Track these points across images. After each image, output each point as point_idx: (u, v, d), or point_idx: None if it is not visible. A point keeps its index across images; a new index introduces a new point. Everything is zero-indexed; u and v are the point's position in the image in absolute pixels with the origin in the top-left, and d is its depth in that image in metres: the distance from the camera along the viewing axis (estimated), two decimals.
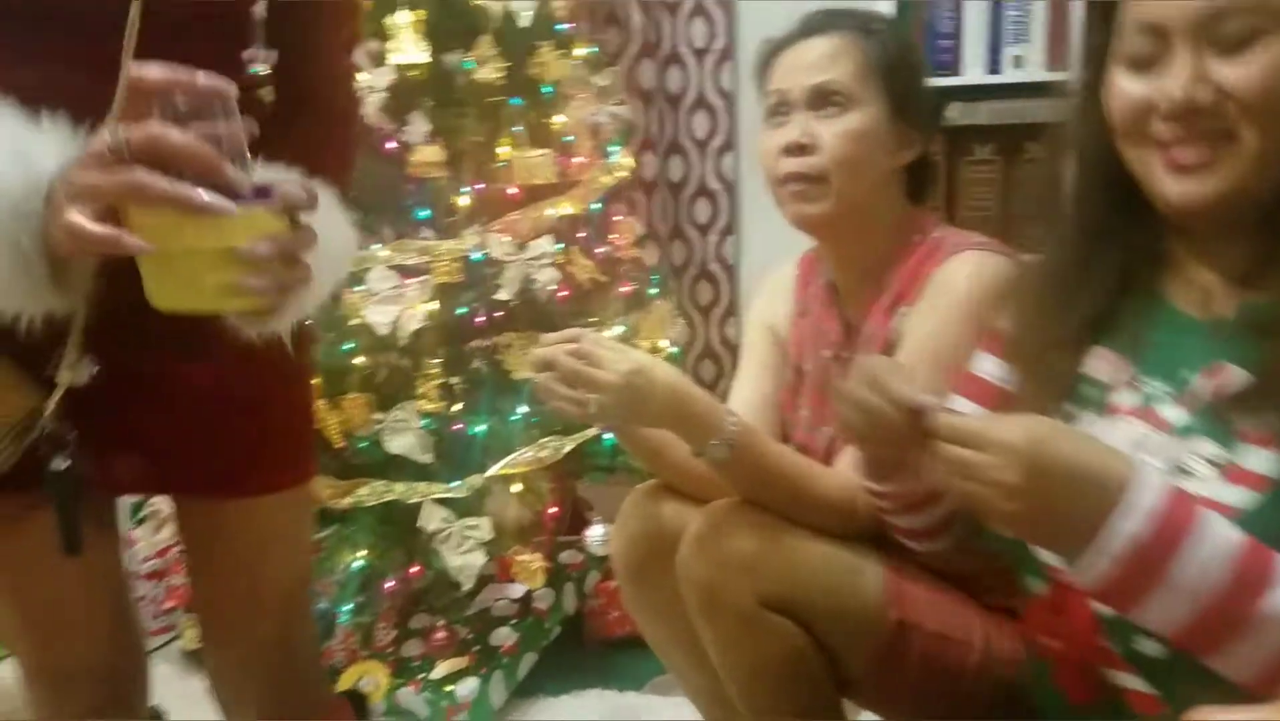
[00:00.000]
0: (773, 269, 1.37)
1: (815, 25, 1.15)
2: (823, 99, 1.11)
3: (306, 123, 0.86)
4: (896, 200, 1.17)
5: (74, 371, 0.75)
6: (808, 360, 1.25)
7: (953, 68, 1.89)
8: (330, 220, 0.77)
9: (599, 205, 1.85)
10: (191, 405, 0.84)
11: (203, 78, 0.63)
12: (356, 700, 1.05)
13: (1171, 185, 0.74)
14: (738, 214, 2.32)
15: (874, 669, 1.07)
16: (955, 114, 1.84)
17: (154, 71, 0.63)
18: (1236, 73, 0.71)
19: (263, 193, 0.66)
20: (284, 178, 0.71)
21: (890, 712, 1.20)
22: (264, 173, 0.72)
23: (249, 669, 0.94)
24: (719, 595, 1.04)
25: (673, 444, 1.13)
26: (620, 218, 1.92)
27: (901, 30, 1.21)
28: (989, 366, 0.97)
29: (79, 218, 0.62)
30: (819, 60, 1.12)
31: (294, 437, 0.94)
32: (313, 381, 0.99)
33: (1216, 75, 0.71)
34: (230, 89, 0.64)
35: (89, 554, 0.84)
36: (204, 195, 0.61)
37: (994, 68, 1.87)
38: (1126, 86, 0.75)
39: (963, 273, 1.08)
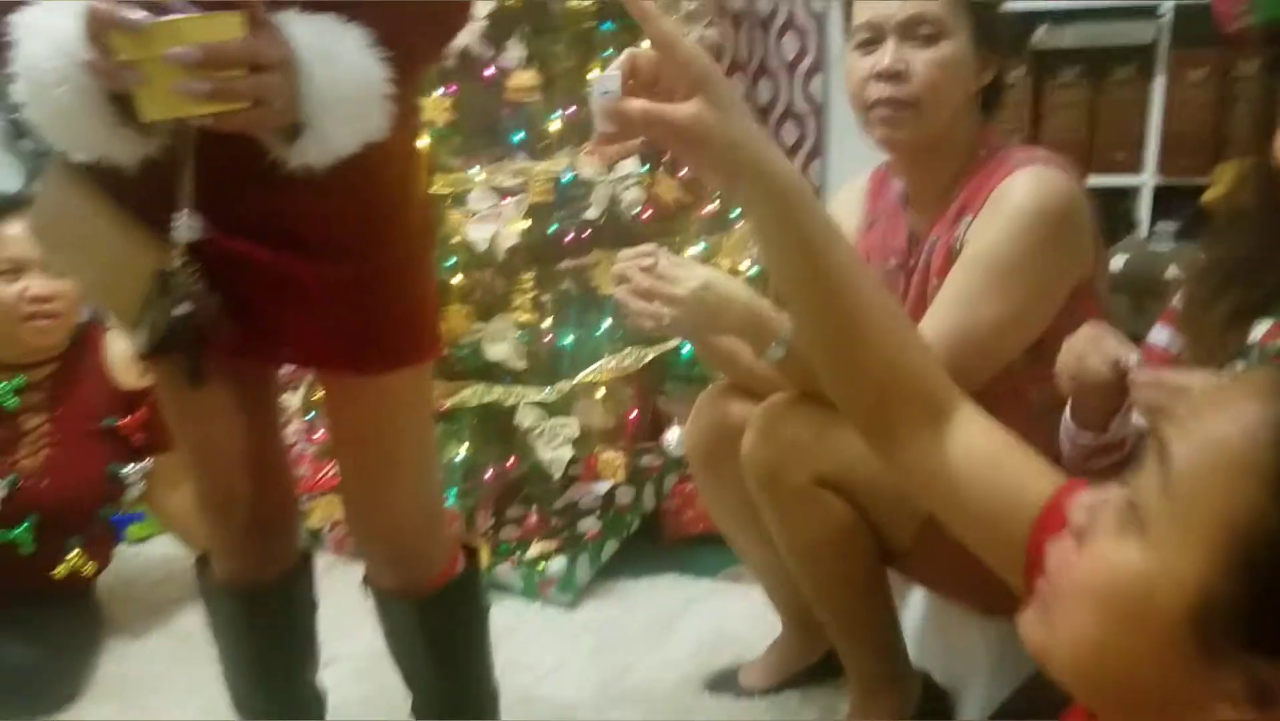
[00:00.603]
0: (843, 186, 1.44)
1: None
2: (914, 28, 1.15)
3: None
4: (973, 119, 1.23)
5: (189, 229, 0.89)
6: (875, 269, 1.31)
7: None
8: (351, 58, 0.84)
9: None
10: (328, 293, 0.98)
11: None
12: (471, 551, 1.23)
13: None
14: (825, 137, 2.36)
15: (917, 542, 1.19)
16: (1040, 37, 1.83)
17: None
18: None
19: (206, 9, 0.75)
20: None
21: (933, 584, 1.32)
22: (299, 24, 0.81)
23: (390, 525, 1.10)
24: (777, 476, 1.18)
25: (740, 349, 1.26)
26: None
27: None
28: (1162, 337, 1.09)
29: (92, 49, 0.77)
30: None
31: (422, 319, 1.07)
32: (434, 269, 1.11)
33: None
34: None
35: (244, 406, 1.04)
36: (120, 11, 0.74)
37: None
38: None
39: (1024, 187, 1.13)
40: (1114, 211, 1.90)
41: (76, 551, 1.71)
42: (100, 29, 0.76)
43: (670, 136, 0.67)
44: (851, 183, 1.42)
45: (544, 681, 1.61)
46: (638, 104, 0.66)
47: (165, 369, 1.02)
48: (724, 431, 1.32)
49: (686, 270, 1.17)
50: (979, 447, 0.68)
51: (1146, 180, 1.82)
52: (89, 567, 1.74)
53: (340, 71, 0.84)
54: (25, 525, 1.65)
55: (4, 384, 1.67)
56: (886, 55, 1.16)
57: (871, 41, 1.18)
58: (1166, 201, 1.82)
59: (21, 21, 0.81)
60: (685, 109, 0.65)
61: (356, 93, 0.85)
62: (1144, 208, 1.79)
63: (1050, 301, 1.16)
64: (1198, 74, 1.42)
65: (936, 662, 1.37)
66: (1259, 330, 0.96)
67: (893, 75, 1.16)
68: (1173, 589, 0.45)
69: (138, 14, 0.74)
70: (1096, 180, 1.91)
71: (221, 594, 1.16)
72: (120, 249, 0.92)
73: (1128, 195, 1.90)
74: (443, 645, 1.19)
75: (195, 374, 0.94)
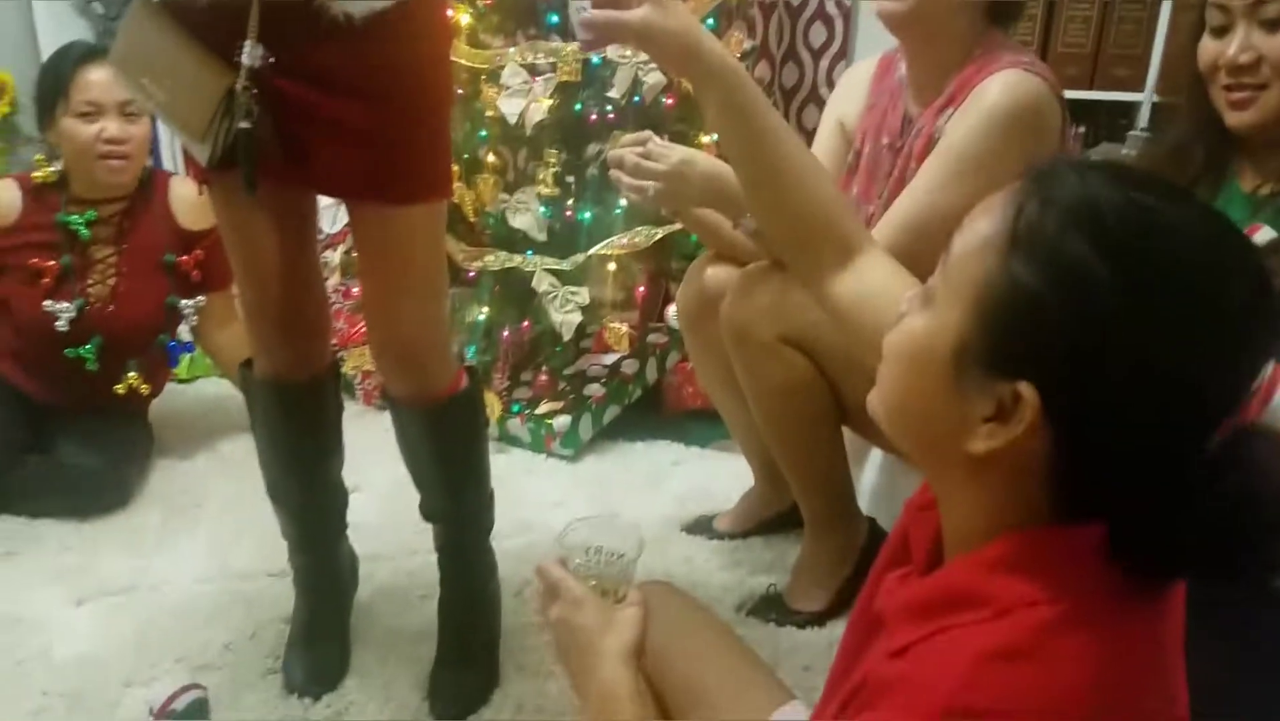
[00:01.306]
0: (854, 66, 1.53)
1: None
2: None
3: None
4: (976, 19, 1.30)
5: (251, 56, 1.04)
6: (868, 146, 1.43)
7: None
8: None
9: (712, 20, 2.02)
10: (361, 133, 1.12)
11: None
12: (471, 371, 1.39)
13: (1229, 113, 1.07)
14: (852, 40, 2.42)
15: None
16: None
17: None
18: (1270, 42, 1.02)
19: None
20: None
21: (882, 440, 1.46)
22: None
23: (402, 335, 1.25)
24: (748, 333, 1.33)
25: (721, 222, 1.39)
26: (732, 33, 2.08)
27: None
28: None
29: None
30: None
31: (437, 162, 1.21)
32: (449, 118, 1.24)
33: (1258, 43, 1.03)
34: None
35: (286, 225, 1.20)
36: None
37: None
38: (1205, 45, 1.07)
39: (998, 87, 1.23)
40: (1114, 125, 1.97)
41: (134, 373, 1.90)
42: None
43: (629, 36, 0.85)
44: (860, 64, 1.51)
45: (542, 514, 1.79)
46: (600, 14, 0.84)
47: (224, 185, 1.18)
48: (708, 295, 1.46)
49: (670, 150, 1.33)
50: (879, 281, 0.82)
51: (1145, 97, 1.88)
52: (145, 388, 1.94)
53: None
54: (91, 344, 1.84)
55: (77, 215, 1.84)
56: None
57: None
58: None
59: None
60: (636, 13, 0.82)
61: None
62: (1142, 123, 1.86)
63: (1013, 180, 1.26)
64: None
65: (885, 513, 1.52)
66: None
67: None
68: (943, 337, 0.59)
69: None
70: (1100, 95, 1.98)
71: (262, 389, 1.34)
72: (193, 72, 1.07)
73: (1130, 110, 1.96)
74: (446, 450, 1.36)
75: (252, 182, 1.09)
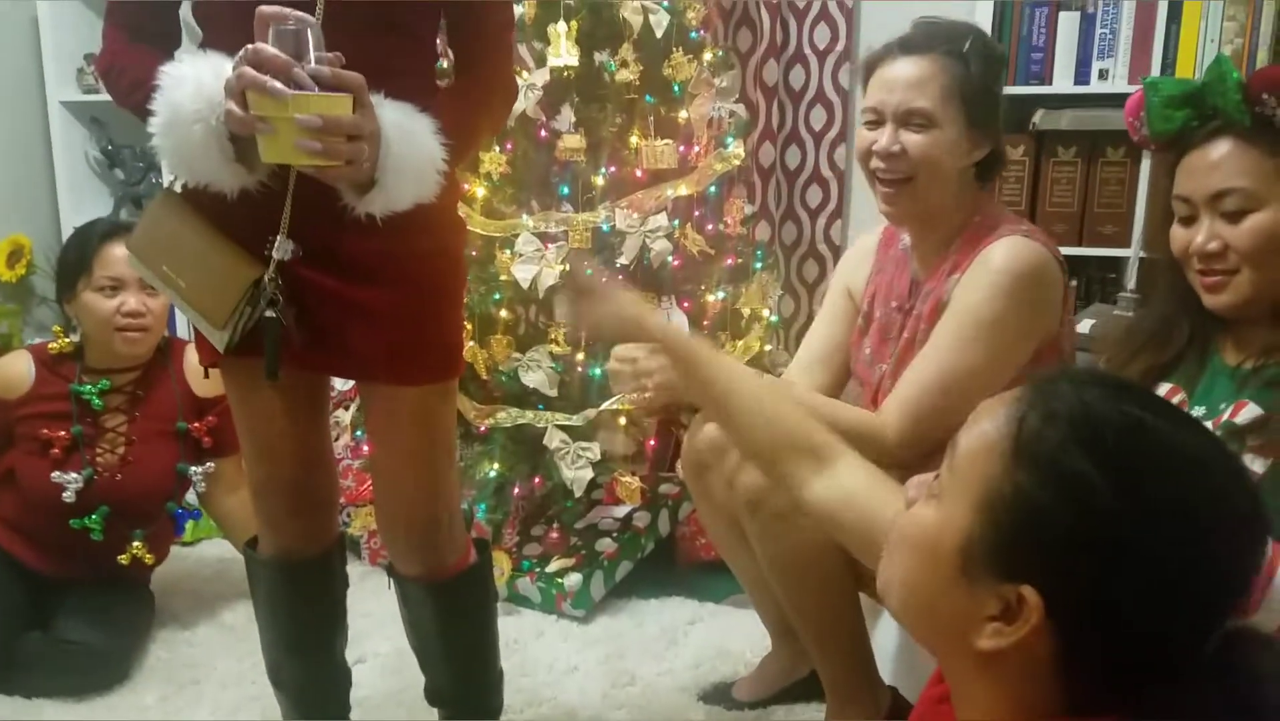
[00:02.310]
0: (861, 236, 1.62)
1: (912, 44, 1.36)
2: (910, 117, 1.33)
3: (470, 81, 1.20)
4: (968, 188, 1.40)
5: (282, 250, 1.10)
6: (878, 309, 1.49)
7: (1043, 78, 2.05)
8: (420, 138, 1.07)
9: (715, 188, 2.12)
10: (378, 318, 1.17)
11: (293, 17, 0.98)
12: (482, 544, 1.38)
13: (1205, 296, 1.09)
14: (847, 199, 2.54)
15: None
16: (1039, 119, 2.00)
17: (267, 9, 0.98)
18: (1234, 232, 1.05)
19: (324, 88, 0.98)
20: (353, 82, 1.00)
21: None
22: (388, 108, 1.04)
23: (410, 511, 1.27)
24: (761, 499, 1.32)
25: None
26: (733, 199, 2.18)
27: (988, 47, 1.38)
28: None
29: (230, 101, 0.98)
30: (910, 82, 1.33)
31: (449, 344, 1.26)
32: (463, 306, 1.30)
33: (1223, 233, 1.05)
34: (311, 19, 0.98)
35: (300, 406, 1.22)
36: (271, 82, 0.95)
37: (1081, 79, 2.01)
38: (1176, 233, 1.10)
39: (1002, 253, 1.30)
40: (1104, 280, 2.06)
41: (139, 542, 1.87)
42: (245, 88, 0.97)
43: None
44: (865, 236, 1.60)
45: (553, 685, 1.74)
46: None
47: (240, 369, 1.21)
48: (712, 449, 1.46)
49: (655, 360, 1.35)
50: (857, 483, 0.90)
51: (1132, 253, 1.97)
52: (149, 558, 1.90)
53: (411, 148, 1.06)
54: (97, 514, 1.81)
55: (90, 385, 1.85)
56: (886, 137, 1.35)
57: (877, 121, 1.37)
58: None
59: (170, 71, 1.04)
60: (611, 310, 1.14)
61: (419, 165, 1.08)
62: (1130, 278, 1.94)
63: (1017, 353, 1.31)
64: (1157, 157, 1.59)
65: (904, 680, 1.49)
66: (1161, 390, 1.12)
67: (888, 155, 1.34)
68: (950, 534, 0.62)
69: (279, 85, 0.96)
70: (1089, 251, 2.07)
71: (268, 568, 1.33)
72: (219, 263, 1.12)
73: (1118, 265, 2.05)
74: (454, 628, 1.34)
75: (274, 370, 1.12)
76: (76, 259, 1.83)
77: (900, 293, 1.46)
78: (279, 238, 1.10)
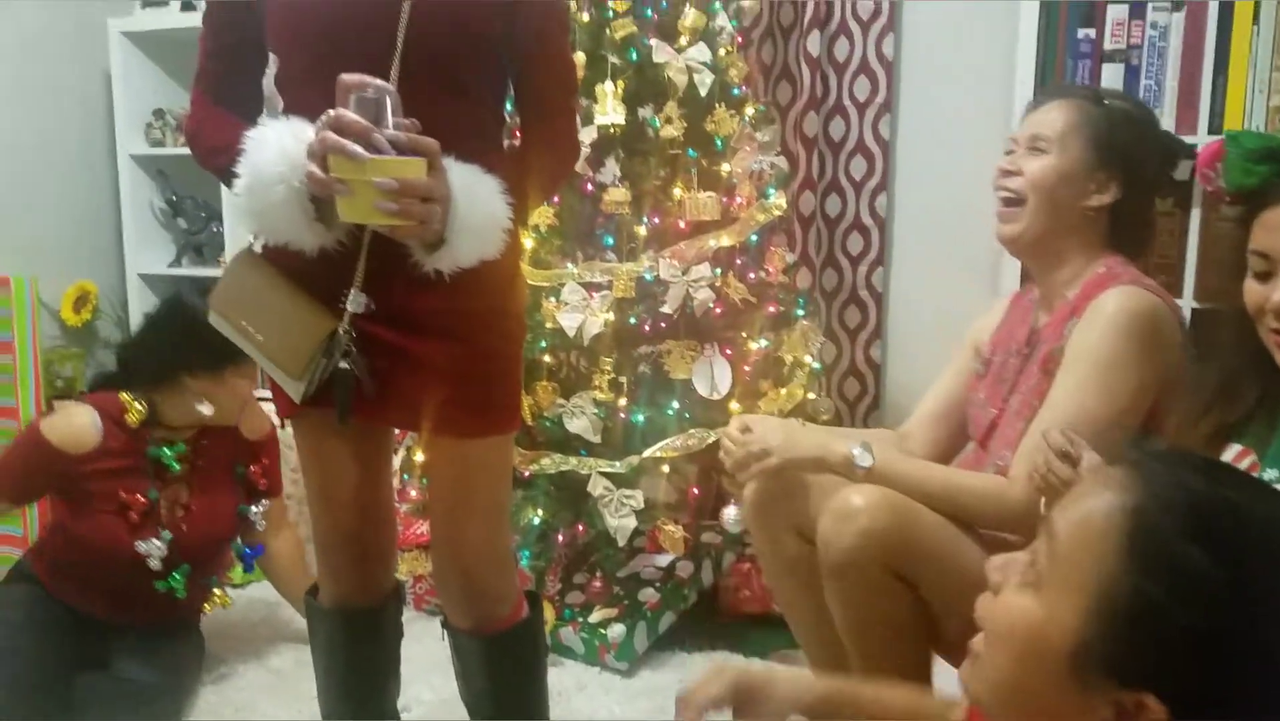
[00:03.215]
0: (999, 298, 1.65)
1: (1058, 90, 1.49)
2: (1034, 143, 1.41)
3: (534, 144, 1.26)
4: (1093, 235, 1.41)
5: (356, 303, 1.15)
6: (997, 355, 1.51)
7: None
8: (486, 199, 1.12)
9: (756, 238, 2.15)
10: (442, 372, 1.20)
11: (372, 84, 1.03)
12: (534, 597, 1.40)
13: (1275, 353, 1.05)
14: (888, 247, 2.55)
15: (968, 632, 1.31)
16: None
17: (349, 78, 1.04)
18: None
19: (401, 152, 1.04)
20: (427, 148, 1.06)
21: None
22: (457, 170, 1.08)
23: (466, 560, 1.28)
24: (849, 561, 1.27)
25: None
26: (774, 249, 2.20)
27: (1130, 101, 1.45)
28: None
29: (312, 164, 1.03)
30: (1043, 114, 1.42)
31: (510, 397, 1.30)
32: (521, 360, 1.34)
33: None
34: (390, 88, 1.04)
35: (366, 456, 1.25)
36: (351, 146, 1.00)
37: None
38: (1251, 288, 1.07)
39: (1115, 300, 1.31)
40: None
41: (218, 590, 1.92)
42: (327, 151, 1.02)
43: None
44: (1001, 299, 1.64)
45: None
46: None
47: (312, 420, 1.25)
48: (786, 494, 1.46)
49: (767, 438, 1.40)
50: None
51: (1185, 304, 1.95)
52: (227, 601, 1.95)
53: (478, 208, 1.11)
54: (179, 574, 1.83)
55: (168, 448, 1.83)
56: (1007, 161, 1.43)
57: (1011, 151, 1.44)
58: (1204, 324, 1.92)
59: (254, 135, 1.10)
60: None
61: (485, 224, 1.13)
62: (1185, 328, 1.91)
63: (1138, 400, 1.30)
64: (1229, 209, 1.57)
65: None
66: (1230, 453, 1.10)
67: (1005, 174, 1.42)
68: (1058, 634, 0.59)
69: (358, 149, 1.01)
70: None
71: (326, 616, 1.36)
72: (296, 316, 1.17)
73: None
74: (505, 682, 1.35)
75: (345, 418, 1.16)
76: (173, 352, 1.79)
77: (1020, 339, 1.47)
78: (353, 291, 1.15)
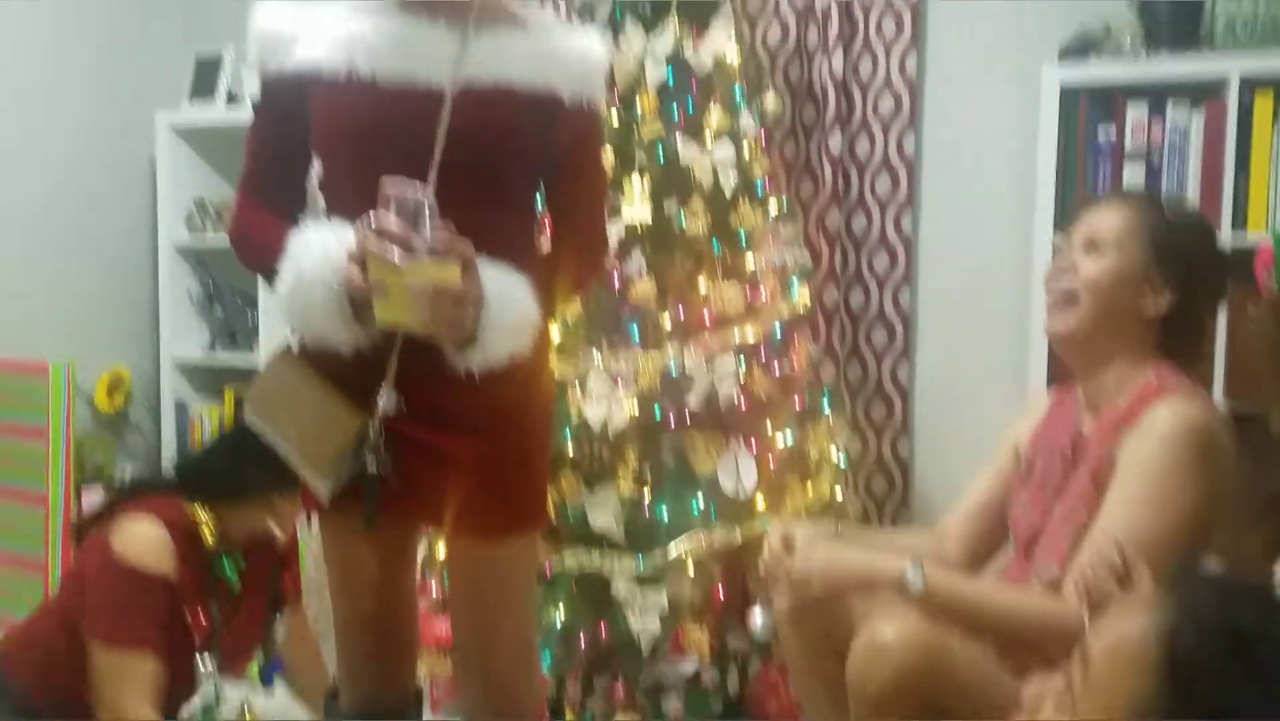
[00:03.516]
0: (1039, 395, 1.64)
1: (1113, 195, 1.49)
2: (1090, 243, 1.40)
3: (566, 246, 1.29)
4: (1144, 341, 1.39)
5: (387, 401, 1.16)
6: (1040, 456, 1.48)
7: None
8: (517, 298, 1.15)
9: (779, 330, 2.16)
10: (471, 470, 1.21)
11: (411, 190, 1.07)
12: (556, 707, 1.36)
13: None
14: (913, 341, 2.54)
15: None
16: None
17: (391, 184, 1.07)
18: None
19: (435, 256, 1.06)
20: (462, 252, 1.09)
21: None
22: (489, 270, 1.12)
23: (489, 660, 1.26)
24: (885, 695, 1.23)
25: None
26: (798, 342, 2.21)
27: (1192, 210, 1.46)
28: None
29: (351, 266, 1.06)
30: (1100, 215, 1.42)
31: (537, 496, 1.30)
32: (550, 456, 1.35)
33: None
34: (429, 198, 1.07)
35: (391, 556, 1.24)
36: (389, 250, 1.03)
37: None
38: None
39: (1170, 414, 1.29)
40: None
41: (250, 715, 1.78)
42: (366, 255, 1.05)
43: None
44: (1040, 396, 1.65)
45: None
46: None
47: (338, 517, 1.25)
48: (825, 589, 1.41)
49: (810, 561, 1.38)
50: None
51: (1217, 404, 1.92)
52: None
53: (510, 308, 1.14)
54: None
55: (230, 566, 1.74)
56: (1065, 257, 1.42)
57: (1064, 248, 1.45)
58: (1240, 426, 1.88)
59: (298, 239, 1.14)
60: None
61: (516, 323, 1.15)
62: None
63: (1196, 520, 1.27)
64: (1257, 310, 1.56)
65: None
66: None
67: (1058, 270, 1.42)
68: None
69: (394, 253, 1.05)
70: None
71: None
72: (328, 414, 1.18)
73: None
74: None
75: (371, 518, 1.16)
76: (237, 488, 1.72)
77: (1064, 440, 1.45)
78: (384, 389, 1.16)
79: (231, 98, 2.95)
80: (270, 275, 1.14)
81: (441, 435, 1.19)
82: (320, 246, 1.11)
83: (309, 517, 1.33)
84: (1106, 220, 1.40)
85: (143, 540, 1.64)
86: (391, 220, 1.06)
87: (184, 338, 3.07)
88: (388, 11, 1.17)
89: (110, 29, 2.97)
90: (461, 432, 1.20)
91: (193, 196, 3.03)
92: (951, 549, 1.55)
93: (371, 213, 1.08)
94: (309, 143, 1.22)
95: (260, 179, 1.26)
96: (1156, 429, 1.28)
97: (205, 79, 2.99)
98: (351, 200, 1.15)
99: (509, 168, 1.20)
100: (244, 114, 2.73)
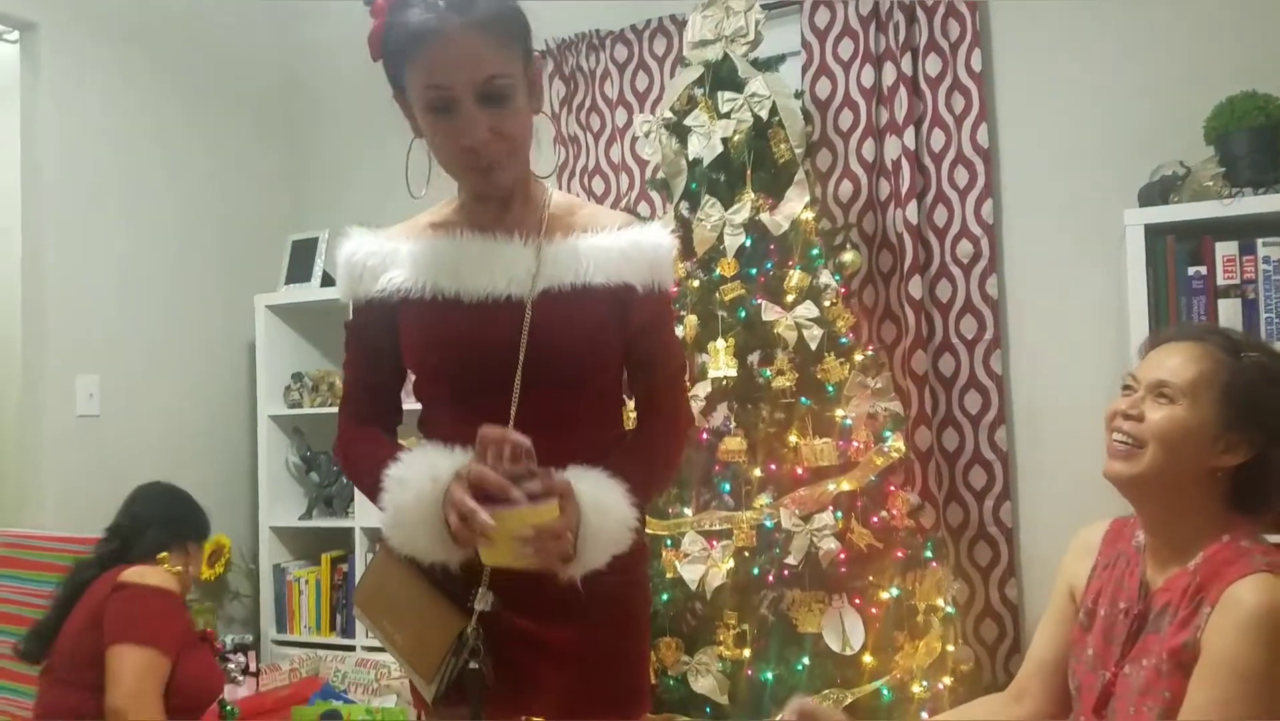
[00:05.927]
0: (1085, 528, 1.53)
1: (1188, 331, 1.39)
2: (1159, 388, 1.32)
3: (652, 428, 1.30)
4: (1214, 497, 1.31)
5: (483, 601, 1.16)
6: (1103, 607, 1.39)
7: None
8: (613, 506, 1.15)
9: (875, 480, 2.12)
10: (573, 659, 1.20)
11: (513, 437, 1.09)
12: None
13: None
14: (1012, 481, 2.47)
15: None
16: None
17: (490, 432, 1.09)
18: None
19: (534, 498, 1.07)
20: (557, 484, 1.11)
21: None
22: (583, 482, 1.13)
23: None
24: None
25: None
26: (895, 490, 2.17)
27: (1271, 356, 1.35)
28: None
29: (452, 515, 1.09)
30: (1171, 357, 1.34)
31: (638, 681, 1.27)
32: (649, 632, 1.33)
33: None
34: (526, 442, 1.09)
35: None
36: (481, 514, 1.05)
37: None
38: None
39: (1253, 596, 1.20)
40: None
41: None
42: (465, 516, 1.09)
43: None
44: (1091, 527, 1.52)
45: None
46: None
47: (445, 717, 1.24)
48: None
49: None
50: None
51: None
52: None
53: (607, 519, 1.16)
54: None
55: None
56: (1129, 401, 1.35)
57: (1131, 389, 1.37)
58: None
59: (393, 475, 1.17)
60: None
61: (615, 529, 1.17)
62: None
63: None
64: None
65: None
66: None
67: (1125, 416, 1.34)
68: None
69: (486, 516, 1.07)
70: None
71: None
72: (430, 616, 1.20)
73: None
74: None
75: (478, 713, 1.15)
76: None
77: (1129, 594, 1.36)
78: (480, 590, 1.18)
79: (326, 279, 3.11)
80: (374, 496, 1.19)
81: (539, 625, 1.20)
82: (416, 488, 1.15)
83: (419, 718, 1.32)
84: (1177, 365, 1.32)
85: (150, 572, 1.92)
86: (492, 475, 1.09)
87: (280, 505, 3.16)
88: (465, 233, 1.26)
89: (221, 219, 3.22)
90: (560, 621, 1.20)
91: (290, 370, 3.19)
92: (1030, 707, 1.45)
93: (470, 465, 1.11)
94: (401, 360, 1.29)
95: (359, 404, 1.33)
96: (1239, 615, 1.19)
97: (301, 261, 3.19)
98: (443, 409, 1.22)
99: (588, 360, 1.25)
100: (335, 290, 2.89)
